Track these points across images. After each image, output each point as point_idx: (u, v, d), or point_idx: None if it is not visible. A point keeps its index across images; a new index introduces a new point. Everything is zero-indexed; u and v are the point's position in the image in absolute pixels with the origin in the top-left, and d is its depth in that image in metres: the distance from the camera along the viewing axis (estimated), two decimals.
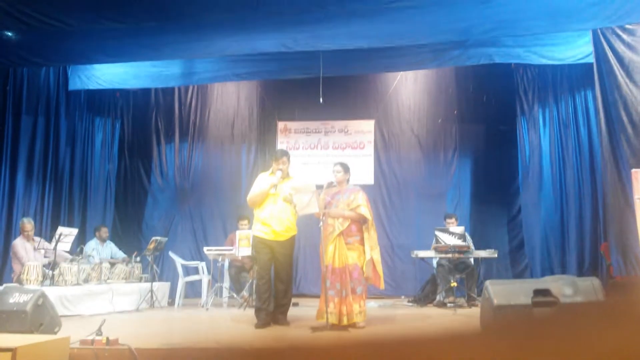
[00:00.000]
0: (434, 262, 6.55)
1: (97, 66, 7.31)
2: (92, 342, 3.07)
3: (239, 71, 7.16)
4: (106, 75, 7.35)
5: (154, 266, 6.53)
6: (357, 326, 4.18)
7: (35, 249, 5.85)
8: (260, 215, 4.54)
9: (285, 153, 4.73)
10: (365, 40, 5.79)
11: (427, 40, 6.00)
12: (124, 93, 8.46)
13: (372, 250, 4.26)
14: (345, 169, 4.54)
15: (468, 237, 6.48)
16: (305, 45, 5.84)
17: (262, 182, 4.59)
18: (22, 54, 6.24)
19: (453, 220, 6.62)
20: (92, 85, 7.41)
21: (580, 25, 5.44)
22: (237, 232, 6.39)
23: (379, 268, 4.27)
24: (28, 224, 6.04)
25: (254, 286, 6.19)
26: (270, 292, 4.51)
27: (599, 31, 5.43)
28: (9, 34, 5.97)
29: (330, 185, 4.48)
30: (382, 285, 4.36)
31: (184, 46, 6.09)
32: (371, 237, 4.32)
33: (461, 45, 6.51)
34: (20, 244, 5.97)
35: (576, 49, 6.27)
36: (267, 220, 4.48)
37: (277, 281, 4.55)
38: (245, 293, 6.42)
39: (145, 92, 8.53)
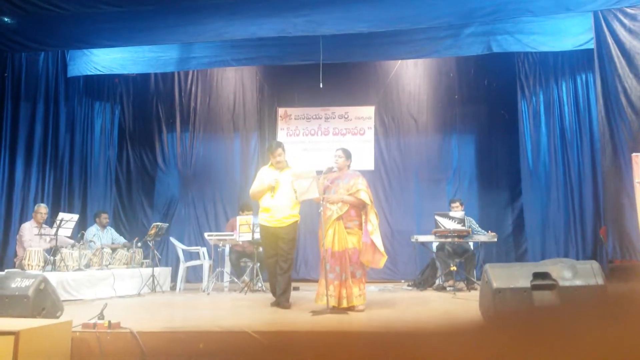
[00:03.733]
0: (434, 247, 6.58)
1: (95, 52, 7.27)
2: (94, 325, 3.10)
3: (238, 56, 7.11)
4: (104, 60, 7.31)
5: (155, 251, 6.56)
6: (357, 309, 4.21)
7: (40, 235, 5.87)
8: (263, 204, 4.73)
9: (279, 145, 4.82)
10: (366, 25, 5.74)
11: (428, 24, 5.94)
12: (123, 79, 8.43)
13: (372, 234, 4.26)
14: (347, 154, 4.55)
15: (472, 221, 6.49)
16: (305, 30, 5.79)
17: (262, 179, 4.75)
18: (20, 39, 6.22)
19: (458, 204, 6.63)
20: (91, 71, 7.37)
21: (583, 7, 5.40)
22: (238, 218, 6.41)
23: (382, 249, 4.27)
24: (44, 208, 6.24)
25: (254, 271, 6.25)
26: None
27: (600, 14, 5.40)
28: (6, 19, 5.94)
29: (329, 170, 4.48)
30: (381, 265, 4.37)
31: (182, 30, 6.04)
32: (371, 221, 4.32)
33: (460, 35, 6.47)
34: (28, 228, 6.03)
35: (575, 37, 6.24)
36: (270, 208, 4.65)
37: (279, 262, 4.66)
38: (246, 278, 6.47)
39: (145, 78, 8.49)
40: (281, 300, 4.57)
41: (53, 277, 4.61)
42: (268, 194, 4.68)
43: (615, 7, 5.22)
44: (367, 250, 4.26)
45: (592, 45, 5.72)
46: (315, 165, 4.85)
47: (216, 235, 6.48)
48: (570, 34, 6.28)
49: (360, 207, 4.39)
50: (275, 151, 4.75)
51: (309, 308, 4.32)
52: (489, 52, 6.54)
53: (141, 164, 8.55)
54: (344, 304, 4.17)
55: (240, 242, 6.37)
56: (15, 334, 2.49)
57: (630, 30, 5.21)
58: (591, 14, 5.54)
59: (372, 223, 4.31)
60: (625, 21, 5.26)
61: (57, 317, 3.43)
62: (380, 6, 5.50)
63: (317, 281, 4.45)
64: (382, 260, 4.31)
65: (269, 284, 4.82)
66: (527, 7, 5.41)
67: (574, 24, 6.18)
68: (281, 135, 8.41)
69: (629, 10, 5.25)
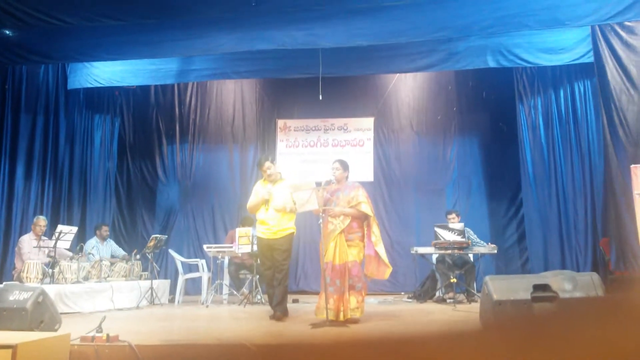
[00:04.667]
0: (434, 258, 6.56)
1: (95, 64, 7.31)
2: (93, 338, 3.08)
3: (238, 69, 7.16)
4: (105, 73, 7.35)
5: (154, 264, 6.54)
6: (352, 321, 4.17)
7: (39, 248, 5.85)
8: (259, 217, 4.81)
9: (267, 158, 4.87)
10: (364, 38, 5.78)
11: (426, 37, 5.99)
12: (124, 91, 8.46)
13: (377, 246, 4.27)
14: (344, 166, 4.55)
15: (471, 232, 6.49)
16: (304, 43, 5.84)
17: (257, 193, 4.83)
18: (21, 52, 6.25)
19: (454, 216, 6.62)
20: (91, 83, 7.41)
21: (580, 21, 5.44)
22: (237, 230, 6.39)
23: (386, 260, 4.28)
24: (43, 220, 6.23)
25: (253, 283, 6.22)
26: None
27: (597, 28, 5.44)
28: (8, 32, 5.97)
29: (328, 183, 4.47)
30: (386, 276, 4.37)
31: (183, 43, 6.09)
32: (374, 232, 4.33)
33: (457, 49, 6.54)
34: (27, 241, 6.01)
35: (574, 49, 6.30)
36: (265, 221, 4.72)
37: (275, 274, 4.71)
38: (245, 290, 6.44)
39: (145, 90, 8.53)
40: (277, 310, 4.58)
41: (51, 290, 4.60)
42: (263, 207, 4.74)
43: (612, 21, 5.26)
44: (370, 262, 4.26)
45: (590, 58, 5.76)
46: (314, 176, 4.86)
47: (215, 247, 6.47)
48: (569, 47, 6.34)
49: (362, 219, 4.38)
50: (263, 165, 4.81)
51: (308, 320, 4.30)
52: (486, 67, 6.60)
53: (141, 176, 8.56)
54: (341, 317, 4.14)
55: (240, 254, 6.34)
56: (13, 347, 2.47)
57: (627, 43, 5.25)
58: (589, 27, 5.59)
59: (375, 234, 4.33)
60: (623, 34, 5.31)
61: (56, 330, 3.41)
62: (378, 20, 5.55)
63: (316, 293, 4.44)
64: (387, 272, 4.31)
65: (267, 295, 4.84)
66: (525, 21, 5.45)
67: (571, 37, 6.24)
68: (280, 147, 8.43)
69: (626, 22, 5.29)
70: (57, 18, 5.34)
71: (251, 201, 4.87)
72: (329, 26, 5.62)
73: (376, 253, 4.26)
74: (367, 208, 4.33)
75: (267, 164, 4.79)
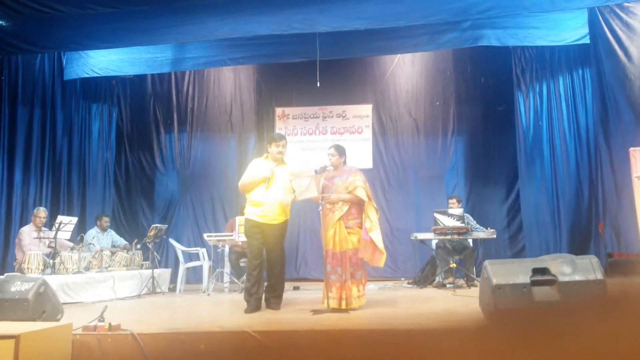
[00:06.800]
0: (433, 244, 6.58)
1: (91, 54, 7.26)
2: (95, 328, 3.09)
3: (235, 56, 7.11)
4: (101, 62, 7.31)
5: (155, 253, 6.56)
6: (354, 309, 4.17)
7: (40, 239, 5.85)
8: (253, 197, 4.43)
9: (284, 137, 4.63)
10: (362, 22, 5.73)
11: (424, 20, 5.94)
12: (120, 81, 8.43)
13: (371, 232, 4.17)
14: (340, 151, 4.49)
15: (470, 218, 6.49)
16: (300, 28, 5.78)
17: (255, 171, 4.49)
18: (15, 42, 6.20)
19: (454, 201, 6.64)
20: (88, 73, 7.38)
21: (577, 3, 5.39)
22: (237, 218, 6.40)
23: (381, 247, 4.17)
24: (43, 212, 6.20)
25: None
26: (261, 279, 4.46)
27: (596, 10, 5.40)
28: (1, 22, 5.91)
29: (323, 169, 4.41)
30: (381, 263, 4.23)
31: (177, 30, 6.03)
32: (369, 217, 4.23)
33: (458, 28, 6.47)
34: (27, 232, 6.02)
35: (572, 31, 6.26)
36: (262, 203, 4.38)
37: (270, 265, 4.50)
38: (245, 278, 6.46)
39: (142, 79, 8.49)
40: (272, 302, 4.43)
41: (53, 280, 4.60)
42: (261, 187, 4.38)
43: (610, 3, 5.21)
44: (366, 247, 4.17)
45: (587, 40, 5.72)
46: (313, 164, 4.76)
47: (215, 236, 6.48)
48: (568, 28, 6.29)
49: (361, 205, 4.30)
50: (279, 141, 4.49)
51: (309, 307, 4.32)
52: (488, 45, 6.55)
53: (139, 166, 8.55)
54: (343, 305, 4.14)
55: (240, 243, 6.36)
56: (15, 337, 2.49)
57: (626, 24, 5.22)
58: (586, 9, 5.54)
59: (371, 219, 4.22)
60: (622, 14, 5.27)
61: (58, 320, 3.43)
62: (375, 3, 5.49)
63: (317, 280, 4.43)
64: (382, 259, 4.19)
65: (246, 285, 4.45)
66: (522, 3, 5.41)
67: (571, 18, 6.19)
68: None
69: (625, 4, 5.25)
70: (50, 6, 5.29)
71: (247, 177, 4.47)
72: (325, 10, 5.56)
73: (371, 239, 4.16)
74: (362, 192, 4.25)
75: (284, 142, 4.52)
